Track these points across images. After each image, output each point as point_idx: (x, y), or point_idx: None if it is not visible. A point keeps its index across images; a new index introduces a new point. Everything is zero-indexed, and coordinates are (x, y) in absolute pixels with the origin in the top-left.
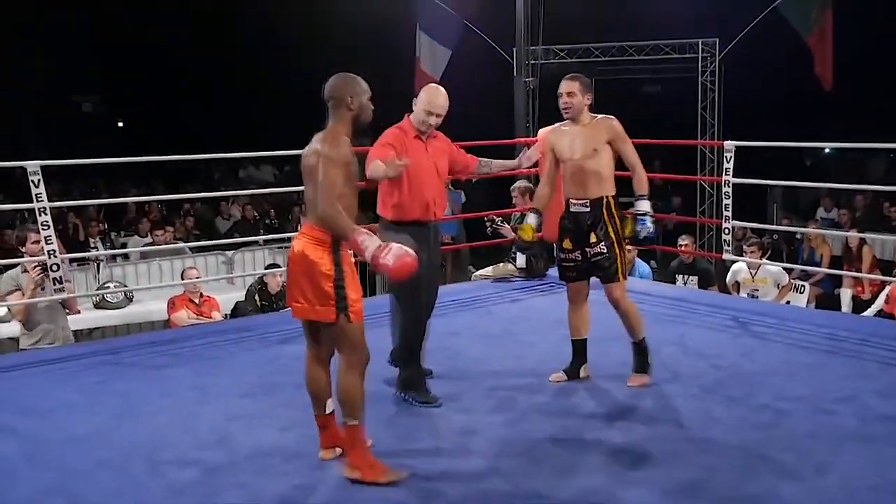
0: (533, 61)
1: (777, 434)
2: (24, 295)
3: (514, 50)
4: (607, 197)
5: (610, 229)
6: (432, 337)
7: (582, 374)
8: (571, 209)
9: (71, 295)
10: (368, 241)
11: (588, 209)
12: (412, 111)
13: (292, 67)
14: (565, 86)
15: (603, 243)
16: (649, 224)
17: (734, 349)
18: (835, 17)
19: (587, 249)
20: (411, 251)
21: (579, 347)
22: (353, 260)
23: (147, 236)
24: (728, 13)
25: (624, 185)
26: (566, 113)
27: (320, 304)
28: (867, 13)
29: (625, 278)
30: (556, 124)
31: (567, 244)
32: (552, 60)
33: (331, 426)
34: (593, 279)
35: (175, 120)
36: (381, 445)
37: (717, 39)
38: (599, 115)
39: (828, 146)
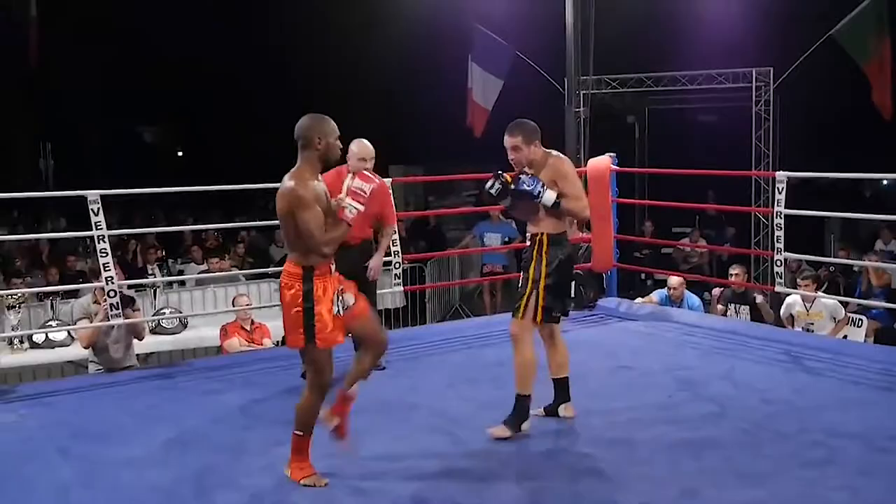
0: (584, 91)
1: (830, 471)
2: (91, 321)
3: (566, 80)
4: (543, 234)
5: (532, 267)
6: (479, 367)
7: (562, 412)
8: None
9: (131, 320)
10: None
11: (529, 244)
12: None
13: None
14: (508, 141)
15: (522, 277)
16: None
17: (786, 384)
18: (893, 44)
19: None
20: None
21: (558, 386)
22: (330, 290)
23: (203, 263)
24: (783, 42)
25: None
26: (516, 167)
27: (292, 332)
28: None
29: (534, 321)
30: (606, 155)
31: None
32: (604, 91)
33: (349, 405)
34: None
35: (233, 149)
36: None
37: (771, 68)
38: (553, 154)
39: (880, 177)
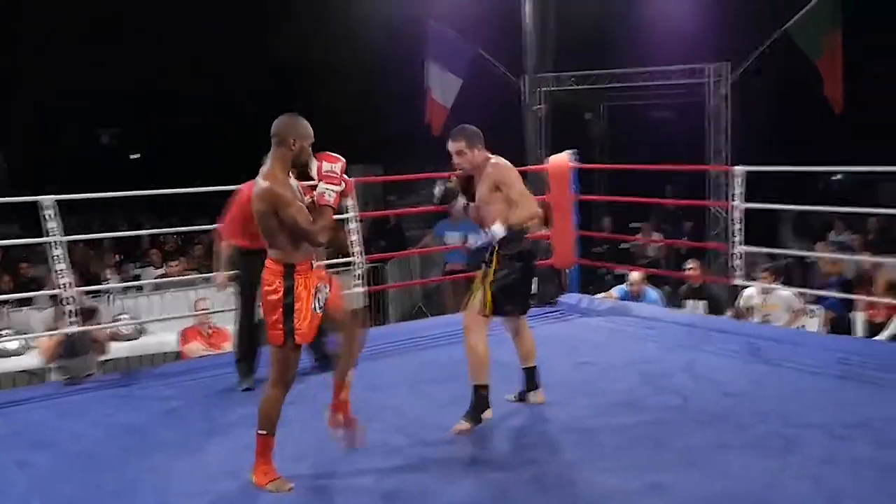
0: (543, 88)
1: (792, 461)
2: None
3: (524, 77)
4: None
5: (484, 262)
6: (442, 366)
7: (532, 398)
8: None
9: (89, 328)
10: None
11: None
12: None
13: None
14: (451, 146)
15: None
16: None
17: (745, 375)
18: (844, 39)
19: None
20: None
21: (527, 375)
22: (311, 287)
23: (161, 267)
24: (737, 37)
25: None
26: (459, 169)
27: (272, 328)
28: (877, 35)
29: (483, 314)
30: (564, 152)
31: None
32: (562, 87)
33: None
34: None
35: (190, 152)
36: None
37: (727, 63)
38: (492, 160)
39: (836, 170)
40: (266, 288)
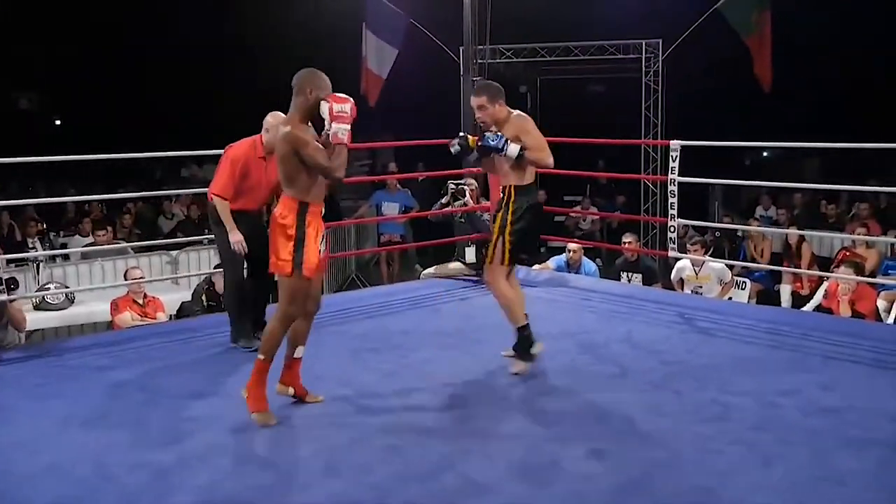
0: (480, 61)
1: (725, 427)
2: None
3: (461, 49)
4: (511, 186)
5: (500, 215)
6: (382, 336)
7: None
8: None
9: (13, 297)
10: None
11: (502, 195)
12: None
13: (236, 66)
14: (474, 101)
15: (494, 227)
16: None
17: (681, 344)
18: (773, 19)
19: None
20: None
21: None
22: (320, 227)
23: (88, 236)
24: (671, 14)
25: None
26: (483, 125)
27: (281, 258)
28: (806, 15)
29: (503, 264)
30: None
31: None
32: (499, 60)
33: (294, 368)
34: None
35: (115, 118)
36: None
37: (660, 40)
38: (515, 113)
39: (768, 146)
40: (280, 221)
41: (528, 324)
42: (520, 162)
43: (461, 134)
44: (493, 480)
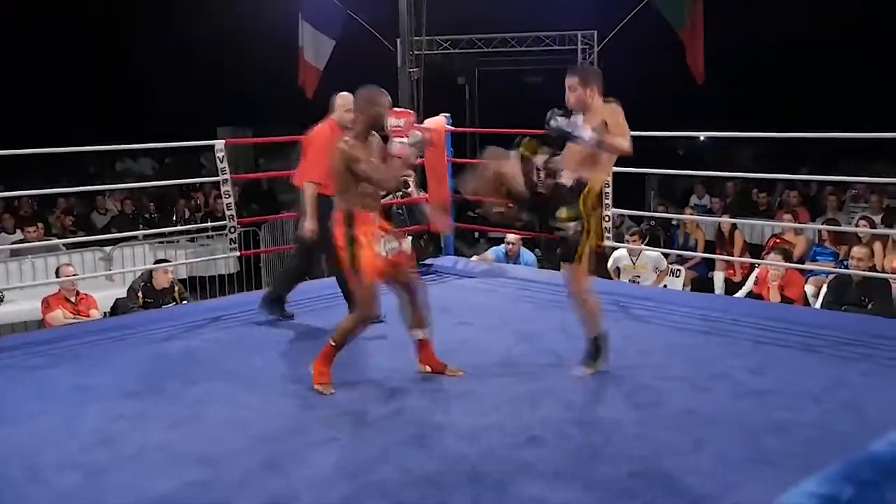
0: (417, 52)
1: (658, 412)
2: None
3: (399, 41)
4: (586, 181)
5: (575, 214)
6: (325, 330)
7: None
8: None
9: None
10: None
11: (570, 190)
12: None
13: (172, 59)
14: (567, 80)
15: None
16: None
17: (616, 332)
18: (706, 12)
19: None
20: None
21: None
22: (375, 231)
23: (16, 233)
24: (607, 6)
25: None
26: (570, 106)
27: (345, 268)
28: (737, 7)
29: (584, 264)
30: (440, 116)
31: None
32: (436, 51)
33: (424, 348)
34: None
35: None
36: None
37: (595, 32)
38: (610, 100)
39: (700, 135)
40: (336, 235)
41: (605, 332)
42: (598, 149)
43: (554, 109)
44: (430, 472)
